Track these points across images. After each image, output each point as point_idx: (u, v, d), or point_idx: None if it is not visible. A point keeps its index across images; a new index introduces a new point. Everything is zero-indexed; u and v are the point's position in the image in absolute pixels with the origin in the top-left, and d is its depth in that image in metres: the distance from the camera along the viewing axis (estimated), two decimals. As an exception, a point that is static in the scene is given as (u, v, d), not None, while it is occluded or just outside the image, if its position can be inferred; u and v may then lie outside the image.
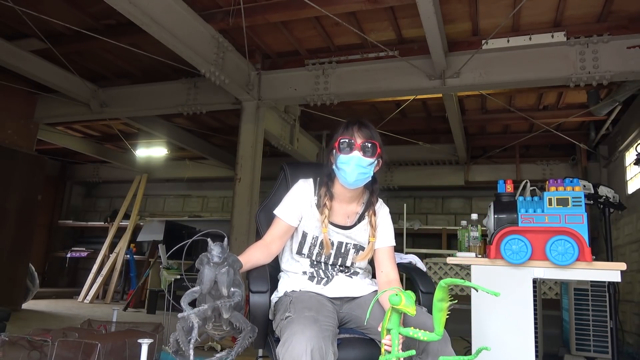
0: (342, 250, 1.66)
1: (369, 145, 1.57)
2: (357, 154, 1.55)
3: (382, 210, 1.73)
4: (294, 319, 1.35)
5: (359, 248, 1.68)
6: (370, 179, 1.64)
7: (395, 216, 7.41)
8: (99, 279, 7.46)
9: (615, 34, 3.71)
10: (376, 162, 1.61)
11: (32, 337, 2.41)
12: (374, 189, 1.70)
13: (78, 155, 8.04)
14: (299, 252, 1.68)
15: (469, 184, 6.83)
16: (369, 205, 1.69)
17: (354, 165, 1.55)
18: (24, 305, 5.72)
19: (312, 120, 6.05)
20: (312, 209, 1.66)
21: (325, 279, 1.64)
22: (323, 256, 1.66)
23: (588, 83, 3.77)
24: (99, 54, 4.82)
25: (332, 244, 1.65)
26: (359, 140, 1.57)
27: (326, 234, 1.62)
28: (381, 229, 1.69)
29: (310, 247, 1.66)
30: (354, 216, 1.68)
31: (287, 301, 1.50)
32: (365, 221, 1.69)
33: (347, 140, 1.57)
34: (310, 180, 1.71)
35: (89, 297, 7.26)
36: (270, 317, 1.59)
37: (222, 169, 7.65)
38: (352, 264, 1.68)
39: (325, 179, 1.68)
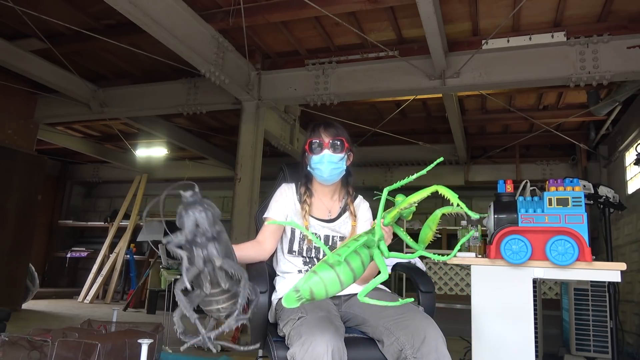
0: (330, 244, 1.73)
1: (337, 142, 1.69)
2: (327, 151, 1.68)
3: (362, 205, 1.83)
4: (308, 319, 1.35)
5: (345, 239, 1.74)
6: (345, 172, 1.76)
7: (395, 216, 7.40)
8: (99, 279, 7.46)
9: (615, 33, 3.71)
10: (346, 156, 1.73)
11: (32, 337, 2.41)
12: (349, 182, 1.83)
13: (78, 155, 8.04)
14: (290, 251, 1.73)
15: (469, 184, 6.82)
16: (347, 196, 1.81)
17: (327, 162, 1.68)
18: (24, 305, 5.72)
19: (312, 120, 6.05)
20: (296, 206, 1.76)
21: None
22: (313, 250, 1.70)
23: (588, 83, 3.77)
24: (99, 54, 4.82)
25: (319, 237, 1.72)
26: (326, 139, 1.69)
27: (307, 225, 1.71)
28: (361, 222, 1.78)
29: (299, 242, 1.73)
30: (335, 210, 1.78)
31: None
32: (347, 213, 1.77)
33: (316, 142, 1.70)
34: (292, 184, 1.83)
35: (89, 297, 7.26)
36: (271, 318, 1.59)
37: (222, 169, 7.65)
38: None
39: (304, 180, 1.80)
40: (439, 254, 1.42)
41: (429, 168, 1.25)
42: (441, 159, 1.34)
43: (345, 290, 1.63)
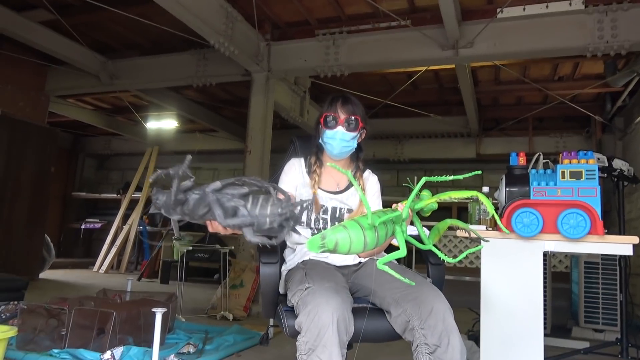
0: (337, 215, 1.73)
1: (352, 119, 1.69)
2: (340, 129, 1.68)
3: (371, 178, 1.84)
4: (315, 289, 1.37)
5: (352, 211, 1.74)
6: (355, 149, 1.76)
7: (406, 189, 7.41)
8: (113, 250, 7.60)
9: (636, 1, 3.58)
10: (359, 134, 1.73)
11: (49, 305, 2.48)
12: (359, 157, 1.83)
13: (90, 128, 8.08)
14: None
15: (480, 157, 6.77)
16: (357, 170, 1.82)
17: (339, 139, 1.69)
18: (41, 275, 5.87)
19: (322, 92, 5.98)
20: (305, 178, 1.77)
21: None
22: (321, 221, 1.71)
23: (605, 53, 3.67)
24: (107, 25, 4.78)
25: (327, 209, 1.72)
26: (342, 116, 1.69)
27: (316, 195, 1.72)
28: (369, 196, 1.79)
29: (308, 213, 1.73)
30: (344, 182, 1.78)
31: (301, 272, 1.52)
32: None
33: (331, 116, 1.69)
34: (301, 158, 1.84)
35: (103, 267, 7.42)
36: (281, 289, 1.62)
37: (233, 142, 7.66)
38: None
39: (315, 149, 1.81)
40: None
41: (466, 175, 1.31)
42: (479, 172, 1.39)
43: (351, 259, 1.66)
